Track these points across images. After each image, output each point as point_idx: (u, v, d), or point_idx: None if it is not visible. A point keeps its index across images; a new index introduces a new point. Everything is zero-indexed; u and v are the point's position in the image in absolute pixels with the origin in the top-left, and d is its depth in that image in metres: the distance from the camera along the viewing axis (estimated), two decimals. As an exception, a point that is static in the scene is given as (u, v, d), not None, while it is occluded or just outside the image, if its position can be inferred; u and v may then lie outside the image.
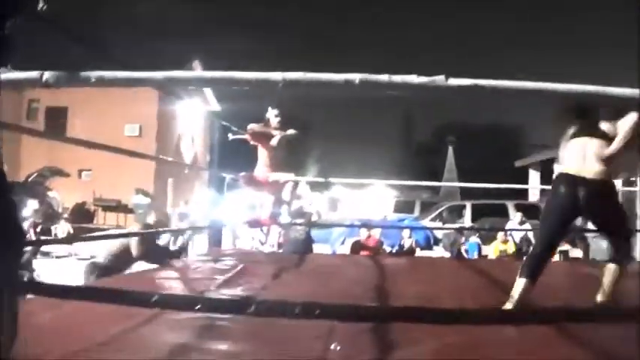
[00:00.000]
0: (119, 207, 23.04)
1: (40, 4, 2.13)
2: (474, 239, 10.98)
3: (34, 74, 1.54)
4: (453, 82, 1.23)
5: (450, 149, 32.57)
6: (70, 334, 2.37)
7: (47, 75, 1.50)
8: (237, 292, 3.43)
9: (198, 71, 1.78)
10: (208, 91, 25.02)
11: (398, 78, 1.23)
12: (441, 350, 2.28)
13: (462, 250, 10.94)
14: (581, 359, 2.30)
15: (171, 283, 3.77)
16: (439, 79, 1.21)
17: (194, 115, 25.14)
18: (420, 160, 42.69)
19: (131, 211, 22.74)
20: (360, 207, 21.35)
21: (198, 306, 2.09)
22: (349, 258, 6.62)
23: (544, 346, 2.35)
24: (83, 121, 20.06)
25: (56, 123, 20.99)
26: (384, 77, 1.23)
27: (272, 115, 5.49)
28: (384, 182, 20.13)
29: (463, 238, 11.71)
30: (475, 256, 10.53)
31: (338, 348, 2.25)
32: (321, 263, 5.17)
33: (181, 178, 26.34)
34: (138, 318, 2.59)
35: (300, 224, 7.95)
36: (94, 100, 19.83)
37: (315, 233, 11.19)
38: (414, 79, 1.22)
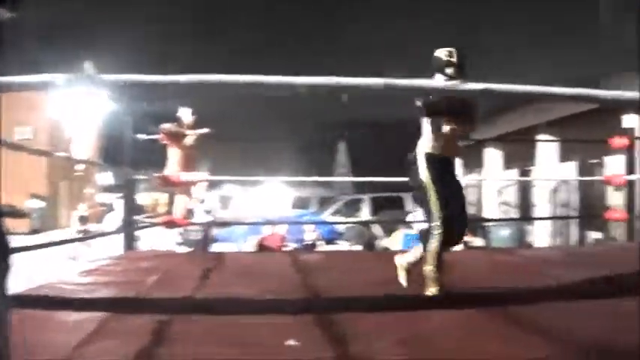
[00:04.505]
0: (14, 212, 22.15)
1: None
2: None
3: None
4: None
5: (343, 144, 32.91)
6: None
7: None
8: (177, 293, 3.32)
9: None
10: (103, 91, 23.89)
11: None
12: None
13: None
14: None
15: (98, 287, 3.57)
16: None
17: (88, 116, 23.87)
18: (310, 155, 42.92)
19: (26, 215, 21.83)
20: (253, 205, 21.22)
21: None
22: (266, 255, 6.65)
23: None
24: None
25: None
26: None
27: (184, 114, 5.37)
28: (279, 179, 20.13)
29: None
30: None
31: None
32: (244, 263, 5.11)
33: (74, 181, 25.00)
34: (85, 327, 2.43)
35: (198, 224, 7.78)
36: (-18, 102, 18.28)
37: (217, 232, 11.03)
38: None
